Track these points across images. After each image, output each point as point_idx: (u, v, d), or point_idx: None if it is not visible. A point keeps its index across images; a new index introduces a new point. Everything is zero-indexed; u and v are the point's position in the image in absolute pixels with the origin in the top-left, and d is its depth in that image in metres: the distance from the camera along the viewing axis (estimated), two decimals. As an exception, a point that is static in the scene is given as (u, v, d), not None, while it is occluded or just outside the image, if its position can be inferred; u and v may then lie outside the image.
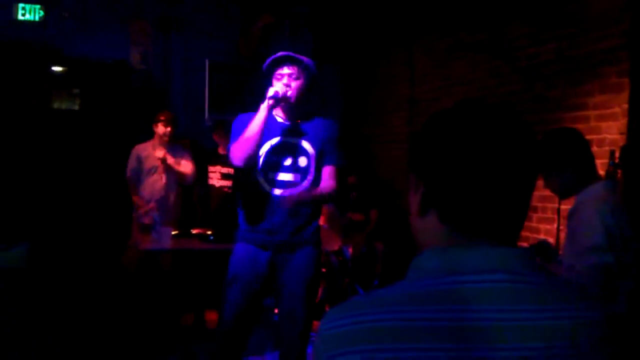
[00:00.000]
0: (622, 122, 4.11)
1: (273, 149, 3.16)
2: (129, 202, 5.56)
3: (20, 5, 6.84)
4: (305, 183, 3.15)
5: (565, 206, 4.16)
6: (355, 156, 7.55)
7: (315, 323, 4.98)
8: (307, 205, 3.14)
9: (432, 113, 1.02)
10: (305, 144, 3.17)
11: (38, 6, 6.91)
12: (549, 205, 4.60)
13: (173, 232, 4.74)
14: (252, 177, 3.17)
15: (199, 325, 5.19)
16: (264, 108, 3.05)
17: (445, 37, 6.22)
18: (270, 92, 3.06)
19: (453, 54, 6.06)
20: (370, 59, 7.70)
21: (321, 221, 5.54)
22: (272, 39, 7.47)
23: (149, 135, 5.60)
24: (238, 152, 3.08)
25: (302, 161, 3.16)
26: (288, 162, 3.15)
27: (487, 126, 0.94)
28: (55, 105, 7.29)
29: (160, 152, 5.37)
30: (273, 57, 3.11)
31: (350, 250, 5.82)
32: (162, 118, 5.44)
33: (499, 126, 0.95)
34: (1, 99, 6.74)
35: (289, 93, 3.10)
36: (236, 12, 7.49)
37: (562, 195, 2.57)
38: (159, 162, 5.43)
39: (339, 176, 3.23)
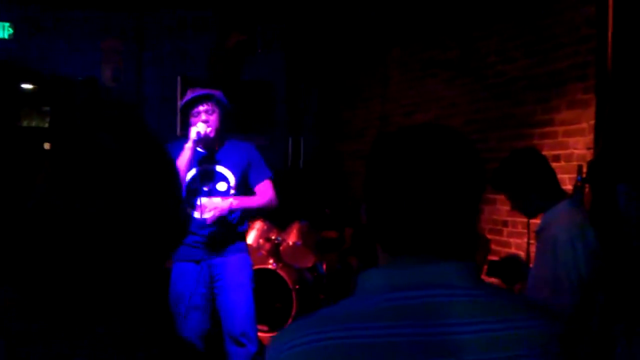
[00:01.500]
0: (589, 138, 4.18)
1: (194, 177, 3.46)
2: None
3: (-11, 22, 6.77)
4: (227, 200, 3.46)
5: (535, 220, 4.22)
6: (330, 172, 7.58)
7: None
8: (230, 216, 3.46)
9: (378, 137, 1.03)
10: (223, 170, 3.50)
11: (7, 23, 6.85)
12: (519, 219, 4.65)
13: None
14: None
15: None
16: (188, 148, 3.36)
17: (418, 54, 6.30)
18: (193, 134, 3.36)
19: (425, 71, 6.13)
20: (345, 76, 7.75)
21: (294, 238, 5.54)
22: (244, 56, 7.49)
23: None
24: None
25: (221, 186, 3.49)
26: (207, 187, 3.47)
27: (414, 151, 0.95)
28: (25, 123, 7.20)
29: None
30: (187, 97, 3.45)
31: (325, 266, 5.82)
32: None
33: (427, 150, 0.96)
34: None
35: (208, 130, 3.40)
36: (209, 28, 7.50)
37: (530, 215, 2.63)
38: None
39: (273, 186, 3.61)
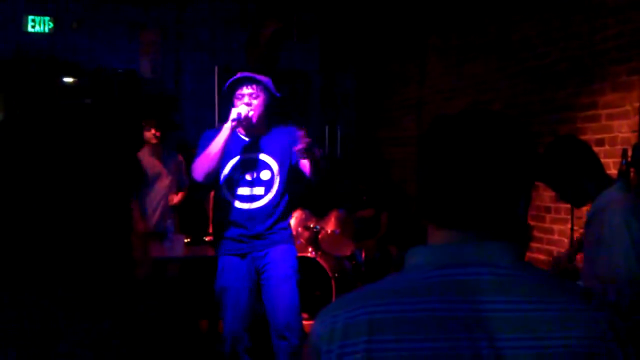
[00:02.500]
0: (633, 120, 4.08)
1: (236, 165, 3.37)
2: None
3: (30, 17, 6.90)
4: (270, 195, 3.35)
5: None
6: (367, 160, 7.55)
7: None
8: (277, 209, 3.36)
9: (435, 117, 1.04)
10: (267, 158, 3.37)
11: (47, 18, 6.97)
12: (562, 205, 4.56)
13: (185, 240, 4.74)
14: (220, 193, 3.41)
15: (213, 331, 5.19)
16: (226, 128, 3.25)
17: (456, 38, 6.21)
18: (233, 114, 3.24)
19: (464, 56, 6.04)
20: (382, 62, 7.70)
21: (333, 226, 5.54)
22: (280, 45, 7.49)
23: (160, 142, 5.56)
24: (199, 168, 3.32)
25: (265, 174, 3.36)
26: (250, 177, 3.35)
27: (470, 133, 0.98)
28: (67, 116, 7.32)
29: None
30: (233, 78, 3.31)
31: (363, 254, 5.81)
32: (145, 123, 5.31)
33: (482, 132, 0.98)
34: (12, 112, 6.79)
35: (250, 114, 3.27)
36: (244, 18, 7.52)
37: (578, 204, 2.55)
38: (158, 169, 5.37)
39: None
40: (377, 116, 7.80)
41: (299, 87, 7.69)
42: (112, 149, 0.99)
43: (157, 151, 5.35)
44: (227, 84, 3.34)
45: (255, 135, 3.40)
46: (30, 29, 6.90)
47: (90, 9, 7.03)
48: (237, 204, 3.34)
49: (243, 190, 3.34)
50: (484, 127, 0.98)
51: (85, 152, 0.96)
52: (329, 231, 5.51)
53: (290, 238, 3.50)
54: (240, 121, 3.25)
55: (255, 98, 3.30)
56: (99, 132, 0.98)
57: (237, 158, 3.38)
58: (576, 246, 3.06)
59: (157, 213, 5.35)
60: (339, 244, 5.58)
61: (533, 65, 5.04)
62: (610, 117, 4.29)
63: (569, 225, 4.33)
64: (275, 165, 3.36)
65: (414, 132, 6.85)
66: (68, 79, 7.23)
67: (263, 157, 3.37)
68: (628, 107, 4.15)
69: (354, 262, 5.72)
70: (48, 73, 6.98)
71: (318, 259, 5.26)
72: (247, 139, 3.43)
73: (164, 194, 5.39)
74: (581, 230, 3.80)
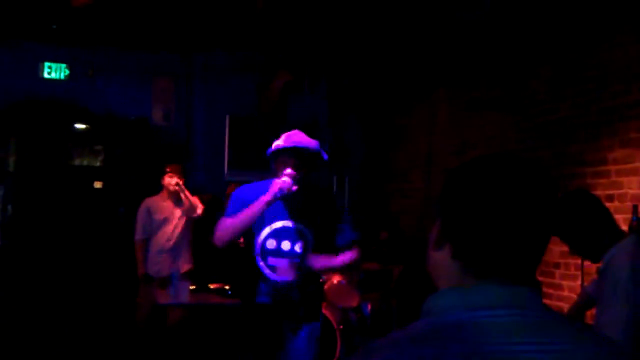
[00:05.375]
0: (644, 177, 4.07)
1: (269, 235, 3.16)
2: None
3: (47, 64, 7.03)
4: (303, 264, 3.17)
5: (589, 262, 4.08)
6: (381, 210, 7.53)
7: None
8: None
9: (451, 168, 1.06)
10: (301, 228, 3.16)
11: (64, 65, 7.09)
12: (572, 261, 4.51)
13: (191, 287, 4.71)
14: (252, 259, 3.20)
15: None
16: (265, 202, 2.99)
17: (465, 91, 6.27)
18: (275, 187, 2.98)
19: (473, 110, 6.08)
20: (391, 114, 7.75)
21: (339, 277, 5.48)
22: (290, 96, 7.58)
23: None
24: (224, 234, 3.11)
25: (299, 246, 3.16)
26: (286, 246, 3.15)
27: (506, 176, 1.00)
28: (77, 162, 7.39)
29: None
30: (278, 147, 3.03)
31: (369, 306, 5.73)
32: (167, 170, 5.44)
33: (521, 176, 1.00)
34: (25, 156, 6.85)
35: (293, 188, 3.01)
36: (257, 68, 7.62)
37: (592, 259, 2.52)
38: (169, 213, 5.41)
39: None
40: (384, 168, 7.81)
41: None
42: None
43: (173, 197, 5.41)
44: (271, 150, 3.07)
45: (290, 199, 3.13)
46: (46, 75, 7.02)
47: (104, 56, 7.16)
48: (273, 275, 3.16)
49: (278, 261, 3.15)
50: (528, 173, 1.01)
51: None
52: (335, 282, 5.45)
53: (319, 313, 3.38)
54: (283, 196, 3.01)
55: (300, 169, 3.04)
56: None
57: (269, 228, 3.15)
58: (584, 299, 3.02)
59: (164, 256, 5.36)
60: (345, 295, 5.51)
61: (543, 121, 5.06)
62: (620, 173, 4.28)
63: (579, 282, 4.27)
64: (310, 236, 3.17)
65: (421, 184, 6.84)
66: (80, 125, 7.31)
67: (297, 226, 3.15)
68: (638, 164, 4.14)
69: (359, 315, 5.64)
70: (61, 118, 7.07)
71: (323, 310, 5.19)
72: (284, 207, 3.17)
73: (173, 238, 5.42)
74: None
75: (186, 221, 5.48)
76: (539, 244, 1.00)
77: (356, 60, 7.58)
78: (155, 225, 5.44)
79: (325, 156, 3.12)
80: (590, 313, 3.49)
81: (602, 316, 2.30)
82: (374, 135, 8.07)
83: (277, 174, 3.07)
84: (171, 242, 5.43)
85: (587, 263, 4.13)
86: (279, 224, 3.15)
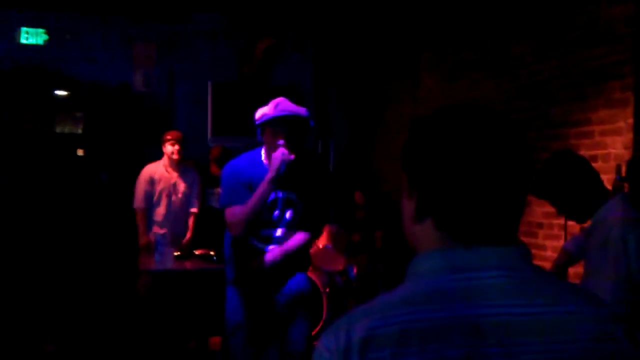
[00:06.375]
0: (627, 137, 4.07)
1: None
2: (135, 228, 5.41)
3: (24, 29, 6.89)
4: (293, 235, 3.12)
5: (572, 223, 4.11)
6: (361, 174, 7.53)
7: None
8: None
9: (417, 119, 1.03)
10: (292, 195, 3.09)
11: (42, 30, 6.96)
12: (555, 221, 4.54)
13: (175, 253, 4.70)
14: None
15: (202, 349, 5.12)
16: (269, 184, 2.89)
17: (450, 55, 6.22)
18: (275, 164, 2.87)
19: (457, 72, 6.05)
20: (375, 79, 7.71)
21: (325, 241, 5.50)
22: (273, 60, 7.49)
23: (153, 157, 5.54)
24: (239, 226, 3.00)
25: (289, 214, 3.09)
26: (276, 214, 3.08)
27: (476, 129, 0.95)
28: (58, 129, 7.31)
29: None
30: (272, 115, 2.89)
31: (355, 270, 5.77)
32: (169, 137, 5.33)
33: (488, 129, 0.95)
34: (4, 123, 6.75)
35: (291, 157, 2.90)
36: (238, 33, 7.52)
37: (580, 220, 2.53)
38: (172, 183, 5.34)
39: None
40: (370, 132, 7.79)
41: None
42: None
43: (174, 166, 5.34)
44: (261, 120, 2.93)
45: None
46: (24, 41, 6.88)
47: (84, 22, 7.03)
48: (262, 246, 3.10)
49: (268, 232, 3.09)
50: (502, 129, 0.96)
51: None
52: (321, 246, 5.47)
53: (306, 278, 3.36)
54: (285, 168, 2.90)
55: (293, 137, 2.91)
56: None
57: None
58: (565, 258, 3.04)
59: (166, 229, 5.30)
60: (331, 259, 5.54)
61: (527, 82, 5.04)
62: (604, 133, 4.28)
63: (562, 242, 4.30)
64: (299, 203, 3.10)
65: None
66: (61, 92, 7.21)
67: (289, 194, 3.08)
68: (621, 124, 4.14)
69: (344, 278, 5.68)
70: (41, 85, 6.96)
71: (309, 273, 5.21)
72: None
73: (174, 209, 5.35)
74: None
75: (188, 190, 5.40)
76: (519, 200, 0.97)
77: (340, 25, 7.49)
78: (156, 196, 5.33)
79: (312, 123, 3.02)
80: (573, 271, 3.53)
81: (590, 277, 2.32)
82: (359, 99, 8.03)
83: (269, 143, 2.96)
84: (173, 213, 5.35)
85: (570, 223, 4.16)
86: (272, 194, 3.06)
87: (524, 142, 0.97)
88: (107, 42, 7.23)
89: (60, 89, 7.18)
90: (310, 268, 5.29)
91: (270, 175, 2.88)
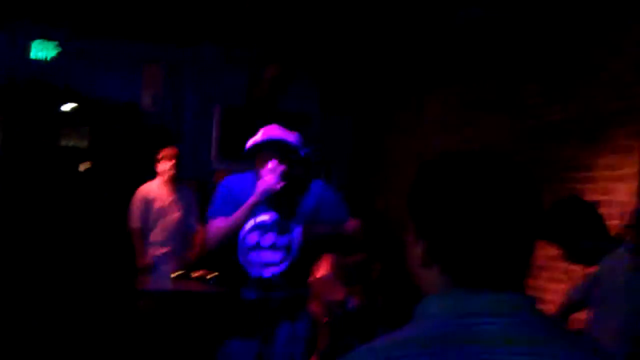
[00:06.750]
0: (632, 185, 4.08)
1: (252, 228, 3.08)
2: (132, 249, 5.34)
3: (35, 43, 6.92)
4: (287, 262, 3.12)
5: (575, 267, 4.09)
6: (362, 205, 7.51)
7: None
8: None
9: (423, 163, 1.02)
10: (288, 220, 3.10)
11: (53, 44, 6.99)
12: (558, 265, 4.52)
13: (172, 275, 4.68)
14: (233, 256, 3.13)
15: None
16: (252, 204, 2.94)
17: (459, 93, 6.26)
18: (260, 187, 2.92)
19: (464, 109, 6.08)
20: (382, 109, 7.73)
21: (324, 271, 5.46)
22: (280, 87, 7.54)
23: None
24: (214, 239, 3.07)
25: (284, 239, 3.10)
26: (269, 239, 3.09)
27: (484, 178, 0.95)
28: (63, 142, 7.32)
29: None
30: (261, 140, 2.95)
31: (354, 301, 5.71)
32: (163, 155, 5.24)
33: (497, 177, 0.96)
34: (11, 136, 6.77)
35: (278, 186, 2.93)
36: (247, 60, 7.57)
37: (587, 263, 2.53)
38: (168, 202, 5.28)
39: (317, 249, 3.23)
40: (373, 163, 7.80)
41: (297, 129, 7.70)
42: None
43: (169, 184, 5.26)
44: (250, 145, 2.98)
45: (278, 195, 3.03)
46: (34, 56, 6.91)
47: (96, 40, 7.07)
48: (257, 271, 3.11)
49: (262, 256, 3.09)
50: (511, 178, 0.97)
51: None
52: (319, 275, 5.43)
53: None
54: (269, 195, 2.95)
55: (283, 163, 2.93)
56: None
57: (251, 222, 3.07)
58: (569, 304, 3.03)
59: (165, 248, 5.22)
60: (329, 288, 5.49)
61: (535, 124, 5.06)
62: (609, 179, 4.30)
63: (564, 286, 4.28)
64: (297, 229, 3.11)
65: (410, 182, 6.83)
66: (68, 106, 7.23)
67: (284, 219, 3.09)
68: (627, 171, 4.15)
69: (343, 309, 5.62)
70: (49, 98, 6.98)
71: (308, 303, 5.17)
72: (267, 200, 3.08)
73: (172, 228, 5.26)
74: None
75: (186, 209, 5.33)
76: (528, 247, 0.97)
77: (348, 56, 7.55)
78: (153, 216, 5.24)
79: (303, 152, 3.04)
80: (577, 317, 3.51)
81: (596, 323, 2.31)
82: (364, 130, 8.06)
83: (258, 170, 2.99)
84: (171, 233, 5.27)
85: (572, 267, 4.14)
86: (263, 217, 3.08)
87: (533, 189, 0.97)
88: (116, 61, 7.28)
89: (67, 102, 7.20)
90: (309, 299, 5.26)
91: (251, 199, 2.94)
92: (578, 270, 4.22)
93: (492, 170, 0.96)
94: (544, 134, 4.94)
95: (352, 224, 3.18)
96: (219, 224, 3.04)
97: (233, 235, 3.03)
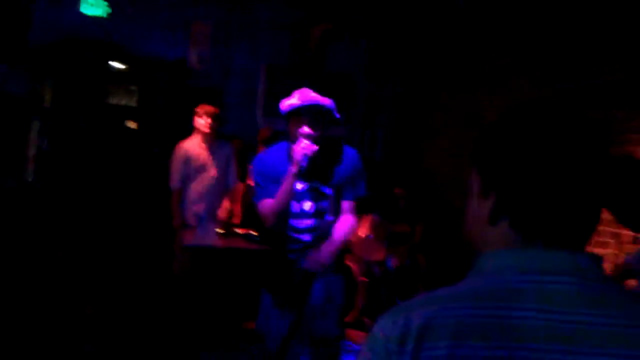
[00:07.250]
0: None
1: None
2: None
3: (86, 1, 6.98)
4: (324, 224, 3.14)
5: (624, 231, 3.99)
6: (404, 167, 7.47)
7: (352, 332, 4.89)
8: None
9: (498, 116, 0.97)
10: (323, 186, 3.10)
11: (103, 3, 7.05)
12: (607, 229, 4.42)
13: (218, 230, 4.72)
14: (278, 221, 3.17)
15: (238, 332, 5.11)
16: (292, 177, 2.94)
17: (506, 53, 6.10)
18: (298, 155, 2.91)
19: (516, 72, 5.92)
20: (431, 70, 7.60)
21: (366, 230, 5.47)
22: (328, 46, 7.47)
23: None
24: (269, 218, 3.08)
25: (321, 204, 3.12)
26: (307, 206, 3.11)
27: (559, 127, 0.92)
28: (112, 101, 7.43)
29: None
30: (293, 106, 2.93)
31: (394, 261, 5.73)
32: (200, 110, 5.15)
33: (571, 127, 0.92)
34: (61, 94, 6.91)
35: (314, 148, 2.92)
36: (295, 17, 7.52)
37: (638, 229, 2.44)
38: (206, 158, 5.17)
39: (358, 208, 3.18)
40: (419, 125, 7.70)
41: (343, 90, 7.65)
42: None
43: (208, 140, 5.21)
44: (286, 110, 2.96)
45: (313, 161, 3.03)
46: (85, 11, 6.98)
47: (146, -1, 7.11)
48: (296, 235, 3.15)
49: (301, 223, 3.13)
50: (586, 129, 0.93)
51: None
52: (362, 235, 5.45)
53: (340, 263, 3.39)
54: (306, 161, 2.94)
55: (317, 127, 2.94)
56: None
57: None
58: (624, 270, 2.94)
59: (202, 205, 5.24)
60: (370, 248, 5.51)
61: (585, 87, 4.91)
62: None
63: (610, 250, 4.18)
64: (331, 194, 3.11)
65: (457, 144, 6.74)
66: (118, 65, 7.32)
67: (320, 185, 3.10)
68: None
69: (382, 268, 5.64)
70: (99, 57, 7.08)
71: (347, 261, 5.20)
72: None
73: (209, 185, 5.24)
74: (623, 255, 3.66)
75: (223, 166, 5.29)
76: (597, 206, 0.93)
77: (398, 17, 7.41)
78: (192, 173, 5.20)
79: (337, 115, 3.02)
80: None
81: None
82: (411, 91, 7.94)
83: (293, 133, 2.98)
84: (208, 189, 5.24)
85: (621, 232, 4.04)
86: (298, 186, 3.08)
87: (606, 144, 0.94)
88: (165, 19, 7.31)
89: (117, 61, 7.29)
90: (349, 256, 5.29)
91: (292, 169, 2.94)
92: (627, 235, 4.12)
93: (567, 121, 0.93)
94: (594, 97, 4.78)
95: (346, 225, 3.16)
96: (267, 204, 3.06)
97: (284, 208, 3.04)
